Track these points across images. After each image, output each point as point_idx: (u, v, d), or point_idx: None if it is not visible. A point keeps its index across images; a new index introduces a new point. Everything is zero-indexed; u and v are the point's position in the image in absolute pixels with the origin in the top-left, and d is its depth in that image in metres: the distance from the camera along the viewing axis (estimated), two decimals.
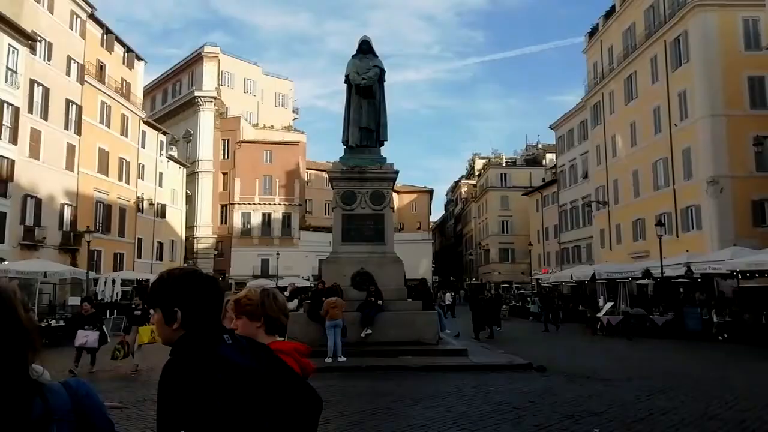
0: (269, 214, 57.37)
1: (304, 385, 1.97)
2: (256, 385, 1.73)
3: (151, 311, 2.15)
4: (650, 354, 16.74)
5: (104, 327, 13.64)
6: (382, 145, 17.31)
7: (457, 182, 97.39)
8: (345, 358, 12.97)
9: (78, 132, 35.29)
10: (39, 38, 31.23)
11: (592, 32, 45.32)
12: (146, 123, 45.48)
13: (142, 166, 44.00)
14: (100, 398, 1.50)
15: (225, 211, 57.54)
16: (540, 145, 77.68)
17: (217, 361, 1.69)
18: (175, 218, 50.39)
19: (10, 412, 1.28)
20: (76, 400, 1.42)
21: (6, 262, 25.18)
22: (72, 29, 35.51)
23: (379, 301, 14.59)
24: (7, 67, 28.80)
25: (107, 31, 40.32)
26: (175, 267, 2.01)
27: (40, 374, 1.43)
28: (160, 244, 47.03)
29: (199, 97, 57.15)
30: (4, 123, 28.57)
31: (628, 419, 7.90)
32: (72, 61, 35.07)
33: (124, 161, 41.13)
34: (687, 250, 26.27)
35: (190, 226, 54.86)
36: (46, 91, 32.04)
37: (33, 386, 1.36)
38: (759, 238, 25.91)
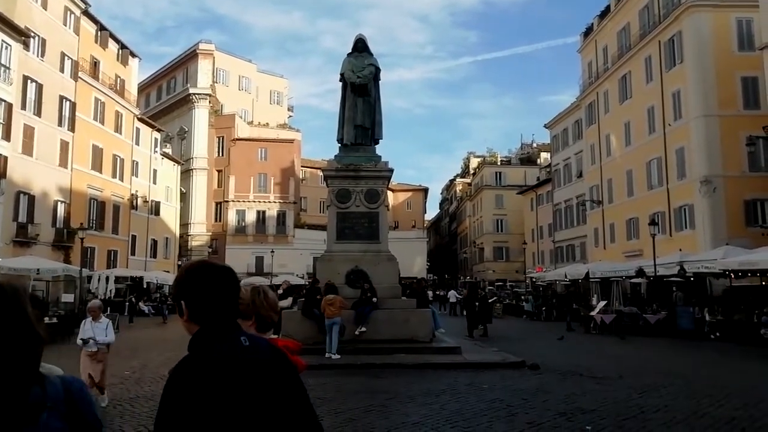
0: (264, 212, 57.28)
1: (305, 406, 1.81)
2: (255, 396, 1.66)
3: None
4: (643, 352, 16.84)
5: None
6: (377, 143, 17.27)
7: (452, 181, 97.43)
8: (339, 356, 13.00)
9: (72, 128, 35.12)
10: (32, 34, 31.01)
11: (587, 32, 45.41)
12: (140, 120, 45.29)
13: (137, 163, 43.84)
14: (93, 396, 1.59)
15: (219, 208, 57.40)
16: (535, 144, 77.82)
17: (227, 365, 1.64)
18: (170, 215, 50.23)
19: (11, 396, 1.39)
20: (69, 393, 1.51)
21: None
22: (66, 25, 35.30)
23: (374, 299, 14.60)
24: (0, 63, 28.65)
25: (101, 27, 40.05)
26: (193, 260, 2.01)
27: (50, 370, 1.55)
28: (154, 242, 46.88)
29: (194, 94, 56.95)
30: None
31: (620, 417, 7.96)
32: (66, 58, 34.87)
33: (118, 158, 40.95)
34: (680, 249, 26.46)
35: (185, 224, 54.72)
36: (39, 88, 31.85)
37: (37, 377, 1.47)
38: (751, 237, 26.07)
